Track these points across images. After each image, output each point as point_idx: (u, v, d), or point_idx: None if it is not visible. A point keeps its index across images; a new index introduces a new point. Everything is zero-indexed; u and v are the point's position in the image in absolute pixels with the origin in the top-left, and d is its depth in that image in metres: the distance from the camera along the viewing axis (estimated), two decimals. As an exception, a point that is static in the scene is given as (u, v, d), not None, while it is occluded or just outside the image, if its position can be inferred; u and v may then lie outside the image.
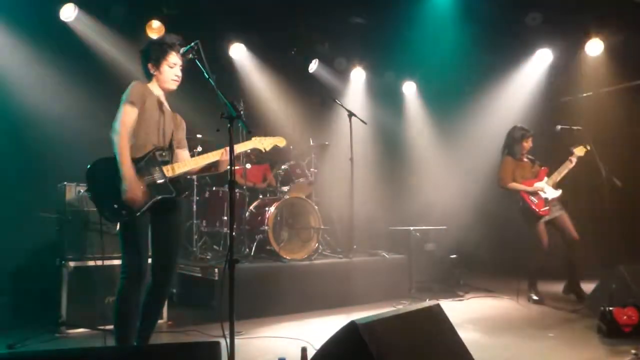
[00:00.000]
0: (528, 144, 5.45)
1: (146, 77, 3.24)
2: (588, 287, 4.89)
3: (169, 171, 3.12)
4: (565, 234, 5.26)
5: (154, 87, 3.23)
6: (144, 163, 3.05)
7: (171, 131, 3.26)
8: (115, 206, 2.91)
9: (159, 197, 3.04)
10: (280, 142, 3.60)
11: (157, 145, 3.13)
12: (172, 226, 3.21)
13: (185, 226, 3.38)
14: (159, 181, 3.06)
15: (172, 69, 3.19)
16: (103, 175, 2.97)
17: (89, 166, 3.02)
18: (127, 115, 3.00)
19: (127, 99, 3.01)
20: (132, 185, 2.90)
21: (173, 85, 3.23)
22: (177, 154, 3.36)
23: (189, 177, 3.32)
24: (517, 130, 5.47)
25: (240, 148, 3.46)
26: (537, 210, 5.22)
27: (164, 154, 3.15)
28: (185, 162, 3.23)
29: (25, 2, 5.27)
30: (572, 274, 5.33)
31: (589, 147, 5.24)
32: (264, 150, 3.51)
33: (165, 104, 3.28)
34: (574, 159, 5.30)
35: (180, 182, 3.21)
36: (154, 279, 3.15)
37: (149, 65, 3.20)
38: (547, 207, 5.23)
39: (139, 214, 2.95)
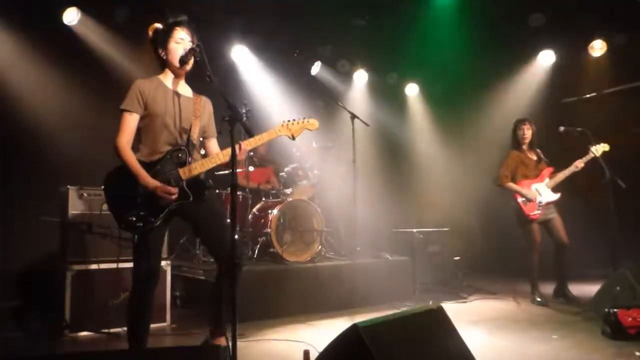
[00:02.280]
0: (525, 132, 5.40)
1: (161, 68, 3.15)
2: (591, 289, 4.87)
3: (185, 173, 3.01)
4: (555, 237, 5.23)
5: (167, 77, 3.12)
6: (160, 166, 2.98)
7: (189, 122, 3.08)
8: (132, 218, 2.90)
9: (175, 205, 2.97)
10: (312, 125, 3.22)
11: (172, 142, 3.04)
12: (204, 212, 3.11)
13: (219, 210, 3.25)
14: (174, 186, 2.97)
15: (179, 45, 3.05)
16: (117, 187, 2.95)
17: (105, 179, 2.99)
18: (127, 123, 2.97)
19: (124, 107, 2.97)
20: (156, 186, 2.89)
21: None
22: (205, 145, 3.25)
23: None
24: (515, 122, 5.52)
25: (266, 137, 3.12)
26: (527, 214, 5.21)
27: (180, 154, 3.03)
28: (203, 162, 3.06)
29: (28, 5, 5.31)
30: (561, 277, 5.31)
31: (608, 148, 5.13)
32: (292, 138, 3.16)
33: (184, 90, 3.16)
34: (583, 162, 5.16)
35: (198, 183, 3.09)
36: (217, 267, 3.16)
37: (159, 51, 3.09)
38: (537, 211, 5.20)
39: (156, 224, 2.93)
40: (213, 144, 3.29)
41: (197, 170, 3.04)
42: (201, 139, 3.29)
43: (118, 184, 2.96)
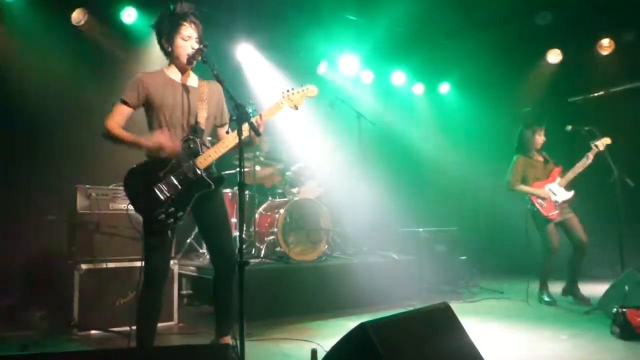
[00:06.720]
0: (541, 137, 5.39)
1: (166, 57, 3.09)
2: (600, 288, 4.84)
3: (202, 162, 2.96)
4: (573, 236, 5.18)
5: (173, 71, 3.07)
6: (175, 160, 2.94)
7: (196, 110, 3.03)
8: (162, 216, 2.87)
9: (198, 194, 2.96)
10: (312, 92, 3.22)
11: (183, 135, 2.99)
12: (213, 211, 3.10)
13: (225, 210, 3.25)
14: (194, 177, 2.95)
15: (186, 42, 2.97)
16: (138, 187, 2.91)
17: (124, 181, 2.94)
18: (117, 113, 2.94)
19: (121, 97, 2.95)
20: (154, 142, 2.86)
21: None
22: (218, 132, 3.19)
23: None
24: (527, 126, 5.44)
25: (270, 114, 3.10)
26: (546, 214, 5.18)
27: (191, 145, 2.97)
28: (216, 149, 2.99)
29: (36, 4, 5.34)
30: (573, 276, 5.28)
31: (610, 141, 5.11)
32: (295, 109, 3.15)
33: (191, 81, 3.10)
34: (591, 155, 5.12)
35: (214, 172, 3.07)
36: (215, 267, 3.15)
37: (163, 42, 3.03)
38: (556, 212, 5.17)
39: (185, 216, 2.92)
40: (224, 132, 3.23)
41: (212, 158, 3.00)
42: (214, 126, 3.23)
43: (139, 184, 2.91)
